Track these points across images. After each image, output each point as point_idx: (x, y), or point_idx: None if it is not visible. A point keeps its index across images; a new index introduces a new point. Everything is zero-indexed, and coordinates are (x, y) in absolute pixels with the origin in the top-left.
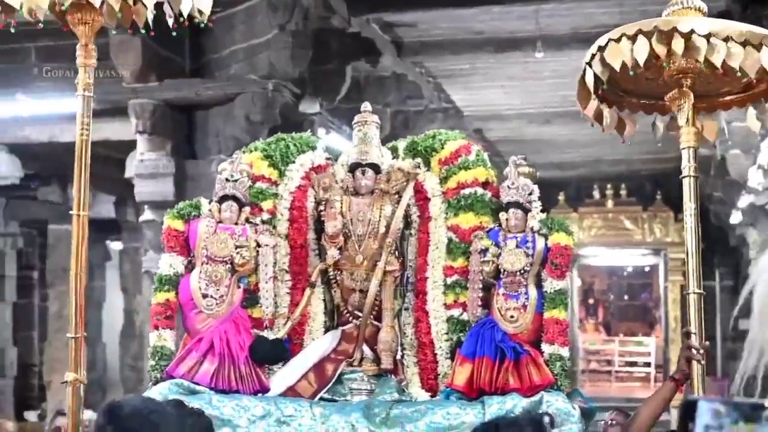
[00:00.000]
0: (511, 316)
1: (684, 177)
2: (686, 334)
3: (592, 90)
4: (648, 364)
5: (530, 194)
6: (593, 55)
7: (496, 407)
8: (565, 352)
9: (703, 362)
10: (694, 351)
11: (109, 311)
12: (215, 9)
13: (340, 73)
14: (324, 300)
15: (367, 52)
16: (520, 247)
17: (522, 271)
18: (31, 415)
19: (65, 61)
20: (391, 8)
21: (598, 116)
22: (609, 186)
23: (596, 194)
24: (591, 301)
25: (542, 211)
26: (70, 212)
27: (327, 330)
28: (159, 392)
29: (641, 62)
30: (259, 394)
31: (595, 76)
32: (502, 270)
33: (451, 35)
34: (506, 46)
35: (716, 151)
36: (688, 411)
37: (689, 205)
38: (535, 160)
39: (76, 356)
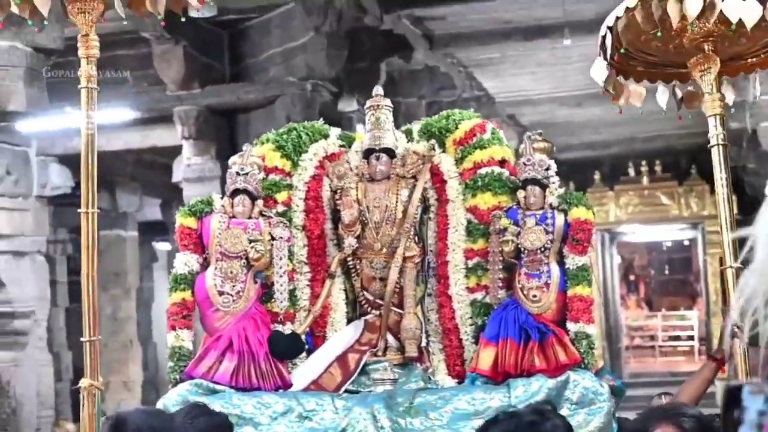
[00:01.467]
0: (534, 296)
1: (712, 146)
2: (726, 312)
3: (608, 53)
4: (691, 338)
5: (547, 170)
6: (618, 18)
7: (521, 390)
8: (591, 329)
9: (745, 339)
10: (735, 328)
11: (159, 311)
12: (252, 15)
13: (374, 70)
14: (345, 290)
15: (399, 47)
16: (539, 225)
17: (543, 249)
18: None
19: (113, 72)
20: (421, 3)
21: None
22: (644, 163)
23: (631, 171)
24: (632, 277)
25: (578, 190)
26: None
27: (349, 321)
28: (178, 394)
29: (674, 20)
30: (281, 390)
31: (613, 39)
32: (522, 249)
33: (480, 26)
34: (534, 34)
35: (747, 124)
36: (732, 397)
37: (720, 175)
38: (570, 142)
39: (92, 361)
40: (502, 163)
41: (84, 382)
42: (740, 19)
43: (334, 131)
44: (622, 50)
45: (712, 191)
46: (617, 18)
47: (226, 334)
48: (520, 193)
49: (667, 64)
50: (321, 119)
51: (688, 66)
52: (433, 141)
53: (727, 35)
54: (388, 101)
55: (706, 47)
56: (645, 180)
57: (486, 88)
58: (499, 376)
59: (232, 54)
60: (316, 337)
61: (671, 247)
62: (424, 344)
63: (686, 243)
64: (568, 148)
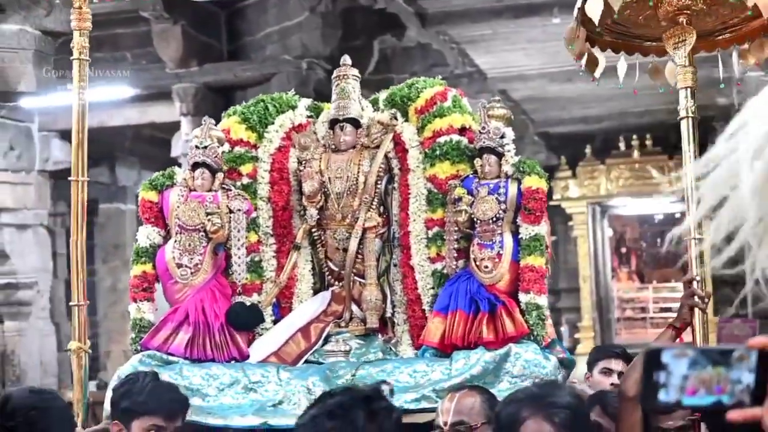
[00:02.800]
0: (486, 267)
1: (682, 118)
2: (689, 282)
3: (583, 28)
4: None
5: (502, 137)
6: None
7: (462, 362)
8: (542, 300)
9: (705, 310)
10: (696, 298)
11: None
12: None
13: (368, 48)
14: (312, 261)
15: (392, 26)
16: (491, 194)
17: (495, 219)
18: (90, 385)
19: (113, 50)
20: None
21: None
22: (634, 137)
23: (622, 146)
24: (623, 250)
25: (569, 163)
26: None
27: (316, 292)
28: (131, 365)
29: None
30: (233, 361)
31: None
32: (475, 219)
33: (472, 4)
34: (525, 12)
35: (734, 100)
36: (653, 360)
37: (688, 147)
38: (561, 116)
39: (79, 325)
40: (463, 131)
41: (72, 345)
42: None
43: (304, 102)
44: (597, 28)
45: None
46: None
47: (183, 306)
48: (477, 162)
49: (641, 36)
50: (314, 96)
51: (663, 38)
52: (394, 110)
53: (703, 9)
54: (355, 71)
55: (681, 20)
56: (636, 154)
57: (478, 64)
58: (447, 348)
59: (229, 32)
60: (282, 308)
61: (663, 220)
62: (389, 315)
63: (677, 216)
64: (560, 123)
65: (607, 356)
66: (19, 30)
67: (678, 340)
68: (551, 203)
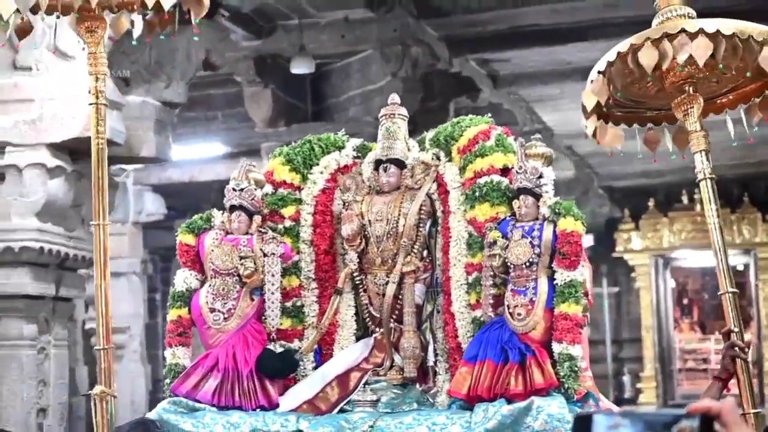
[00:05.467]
0: (519, 314)
1: (700, 180)
2: (727, 333)
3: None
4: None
5: (539, 178)
6: (600, 72)
7: (481, 415)
8: (575, 350)
9: (748, 359)
10: (737, 349)
11: None
12: (334, 60)
13: (444, 109)
14: (355, 306)
15: (467, 88)
16: (525, 237)
17: (528, 264)
18: None
19: (205, 110)
20: (488, 49)
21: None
22: (697, 191)
23: (685, 199)
24: (685, 301)
25: (632, 216)
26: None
27: (359, 338)
28: (156, 412)
29: (664, 66)
30: (260, 410)
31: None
32: (509, 264)
33: (542, 67)
34: None
35: None
36: (582, 426)
37: (710, 206)
38: (625, 170)
39: (105, 369)
40: (505, 171)
41: (97, 389)
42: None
43: (352, 142)
44: (605, 103)
45: (764, 219)
46: (599, 72)
47: (214, 352)
48: (515, 203)
49: (650, 107)
50: None
51: (672, 107)
52: (437, 150)
53: (706, 76)
54: (402, 110)
55: (687, 88)
56: (698, 207)
57: (545, 121)
58: (473, 400)
59: (314, 95)
60: (323, 354)
61: None
62: (431, 363)
63: (739, 268)
64: (624, 177)
65: None
66: (142, 101)
67: (725, 390)
68: (615, 255)
